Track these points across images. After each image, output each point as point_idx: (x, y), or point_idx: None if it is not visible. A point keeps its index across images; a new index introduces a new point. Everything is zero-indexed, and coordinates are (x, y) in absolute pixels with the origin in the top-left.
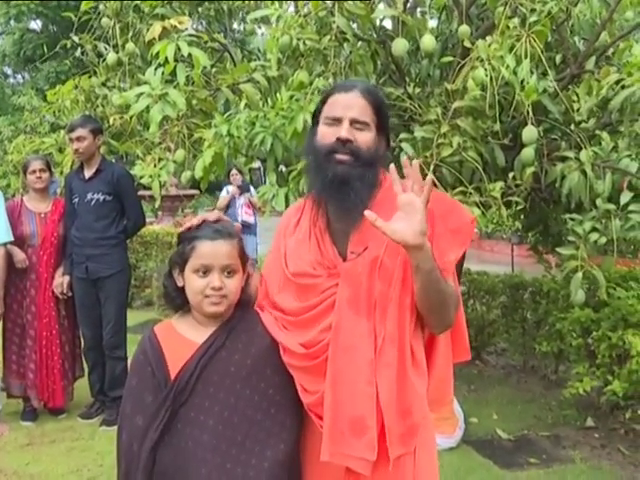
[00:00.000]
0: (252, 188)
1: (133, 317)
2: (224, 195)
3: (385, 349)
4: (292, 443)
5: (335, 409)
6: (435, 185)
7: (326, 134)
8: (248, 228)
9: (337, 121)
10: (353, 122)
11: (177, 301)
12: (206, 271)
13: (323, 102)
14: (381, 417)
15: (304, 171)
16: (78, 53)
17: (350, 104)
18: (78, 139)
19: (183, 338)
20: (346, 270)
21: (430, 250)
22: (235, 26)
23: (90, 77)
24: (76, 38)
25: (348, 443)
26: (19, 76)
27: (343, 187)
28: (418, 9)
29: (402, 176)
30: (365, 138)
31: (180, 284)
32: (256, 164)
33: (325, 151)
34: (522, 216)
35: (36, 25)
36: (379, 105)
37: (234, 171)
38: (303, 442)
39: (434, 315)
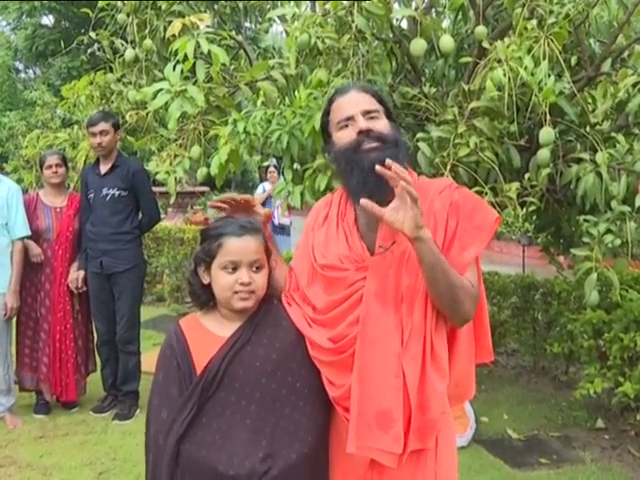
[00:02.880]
0: None
1: (144, 312)
2: (260, 192)
3: (411, 342)
4: (320, 435)
5: (362, 402)
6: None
7: (344, 136)
8: (282, 229)
9: (350, 120)
10: (365, 114)
11: (203, 298)
12: (234, 267)
13: (327, 114)
14: (407, 410)
15: (324, 171)
16: (94, 49)
17: (355, 100)
18: (101, 133)
19: (209, 333)
20: (374, 264)
21: (431, 241)
22: (247, 24)
23: (105, 73)
24: (93, 34)
25: (375, 436)
26: (30, 71)
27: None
28: (433, 9)
29: (419, 173)
30: (381, 124)
31: (205, 281)
32: (266, 162)
33: (352, 148)
34: (534, 217)
35: (48, 21)
36: (379, 96)
37: (271, 168)
38: (329, 433)
39: (446, 306)
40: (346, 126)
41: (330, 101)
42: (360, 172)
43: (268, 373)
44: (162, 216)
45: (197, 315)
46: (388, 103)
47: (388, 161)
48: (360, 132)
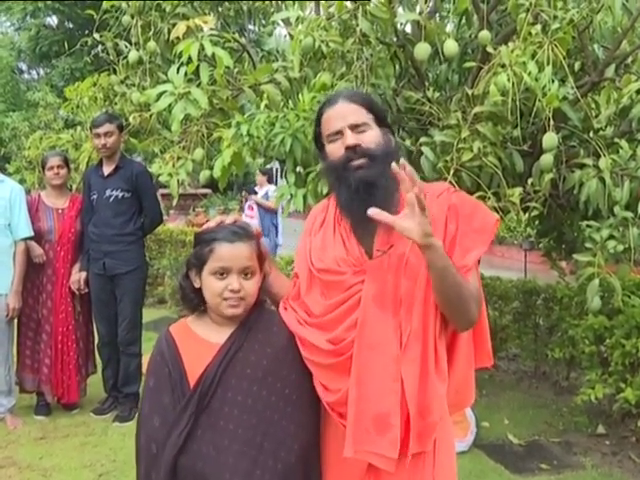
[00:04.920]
0: (271, 187)
1: (146, 314)
2: (262, 195)
3: (410, 346)
4: (307, 442)
5: (360, 406)
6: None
7: (334, 151)
8: None
9: (338, 134)
10: (353, 128)
11: (194, 302)
12: (224, 273)
13: (318, 125)
14: (405, 414)
15: (322, 178)
16: (98, 50)
17: (342, 113)
18: (106, 134)
19: (200, 339)
20: (372, 268)
21: (442, 248)
22: (251, 27)
23: (109, 75)
24: (97, 36)
25: (372, 440)
26: (34, 72)
27: (371, 189)
28: (437, 14)
29: (422, 179)
30: (370, 137)
31: (197, 285)
32: (268, 165)
33: (340, 164)
34: (536, 222)
35: (52, 22)
36: (369, 103)
37: (257, 171)
38: (323, 438)
39: (454, 311)
40: (335, 140)
41: (320, 112)
42: (347, 189)
43: (259, 380)
44: (165, 217)
45: (187, 320)
46: (378, 107)
47: (402, 161)
48: (348, 148)
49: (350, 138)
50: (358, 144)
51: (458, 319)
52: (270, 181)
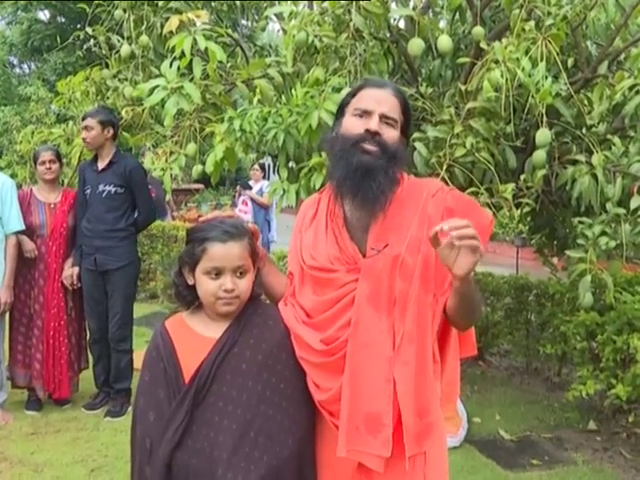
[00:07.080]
0: (265, 183)
1: (137, 310)
2: (256, 191)
3: (403, 347)
4: (301, 437)
5: (352, 405)
6: (447, 184)
7: (354, 125)
8: None
9: (367, 114)
10: (383, 117)
11: (188, 299)
12: (218, 273)
13: (353, 95)
14: (397, 415)
15: (320, 169)
16: (90, 45)
17: (382, 99)
18: (86, 128)
19: (195, 334)
20: (367, 267)
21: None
22: (244, 22)
23: (101, 69)
24: (89, 30)
25: (363, 440)
26: (25, 66)
27: (366, 178)
28: (430, 9)
29: (415, 174)
30: (392, 134)
31: (190, 282)
32: (260, 160)
33: (352, 141)
34: (529, 219)
35: (44, 16)
36: (407, 107)
37: (255, 166)
38: (318, 435)
39: (465, 319)
40: (360, 116)
41: (362, 86)
42: (346, 166)
43: (254, 375)
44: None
45: (183, 315)
46: (410, 116)
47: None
48: (368, 131)
49: (375, 124)
50: (379, 133)
51: (466, 324)
52: (263, 177)
